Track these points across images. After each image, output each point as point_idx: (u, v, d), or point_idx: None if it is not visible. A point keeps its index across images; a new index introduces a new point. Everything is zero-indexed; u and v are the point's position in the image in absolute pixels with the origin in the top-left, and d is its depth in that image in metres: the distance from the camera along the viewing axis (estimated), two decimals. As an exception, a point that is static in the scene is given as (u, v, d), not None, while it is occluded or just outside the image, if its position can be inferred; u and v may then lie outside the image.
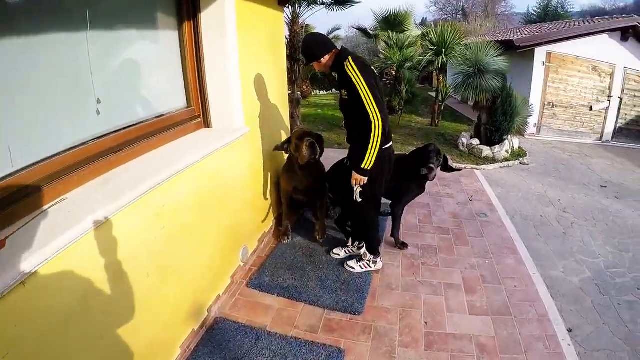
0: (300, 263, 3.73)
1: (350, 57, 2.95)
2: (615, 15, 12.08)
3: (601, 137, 11.32)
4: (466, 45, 9.29)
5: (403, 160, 3.83)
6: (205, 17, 3.11)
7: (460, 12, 35.92)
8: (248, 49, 3.49)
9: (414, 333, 2.93)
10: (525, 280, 3.62)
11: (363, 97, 2.85)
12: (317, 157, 3.63)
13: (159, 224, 2.34)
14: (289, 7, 8.67)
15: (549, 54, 10.61)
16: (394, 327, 2.99)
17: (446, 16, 36.35)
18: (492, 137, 8.02)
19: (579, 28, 10.75)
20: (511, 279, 3.61)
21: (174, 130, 2.96)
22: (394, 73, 10.66)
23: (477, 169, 7.20)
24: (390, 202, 4.06)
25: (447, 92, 10.84)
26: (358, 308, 3.14)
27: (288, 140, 3.81)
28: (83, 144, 2.17)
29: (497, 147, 7.89)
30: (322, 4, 9.30)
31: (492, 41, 9.00)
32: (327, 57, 3.09)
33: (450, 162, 4.00)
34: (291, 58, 8.98)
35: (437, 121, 11.05)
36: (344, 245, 3.92)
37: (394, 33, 11.11)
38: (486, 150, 7.90)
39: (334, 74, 3.28)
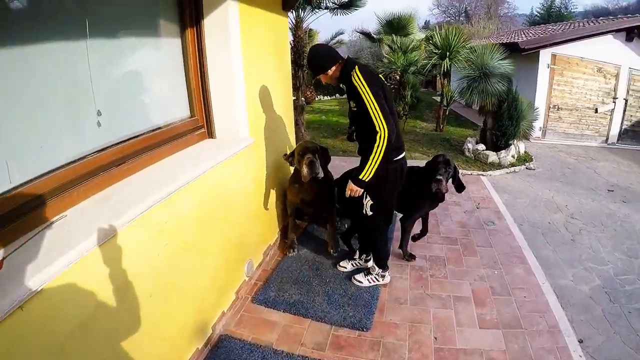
0: (306, 277, 3.66)
1: (356, 67, 2.87)
2: (619, 15, 11.98)
3: (607, 139, 11.21)
4: (471, 48, 9.21)
5: (414, 173, 3.69)
6: (208, 23, 3.05)
7: (463, 14, 35.84)
8: (252, 56, 3.43)
9: (423, 349, 2.86)
10: (535, 290, 3.56)
11: (369, 107, 2.77)
12: (319, 174, 3.54)
13: (162, 241, 2.28)
14: (292, 12, 8.64)
15: (553, 55, 10.52)
16: (403, 343, 2.92)
17: (449, 18, 36.28)
18: (498, 142, 7.95)
19: (584, 29, 10.66)
20: (520, 290, 3.54)
21: (177, 142, 2.91)
22: (398, 77, 10.57)
23: (483, 175, 7.14)
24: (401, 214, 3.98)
25: (451, 97, 10.77)
26: (366, 324, 3.07)
27: (292, 153, 3.75)
28: (83, 157, 2.12)
29: (503, 152, 7.82)
30: (326, 8, 9.24)
31: (497, 44, 8.92)
32: (333, 68, 3.02)
33: (460, 175, 3.83)
34: (295, 63, 8.94)
35: (442, 126, 10.97)
36: (350, 258, 3.84)
37: (398, 37, 11.02)
38: (492, 156, 7.82)
39: (341, 85, 3.21)
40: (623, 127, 11.23)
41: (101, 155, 2.23)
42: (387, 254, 3.57)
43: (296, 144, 4.71)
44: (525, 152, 8.61)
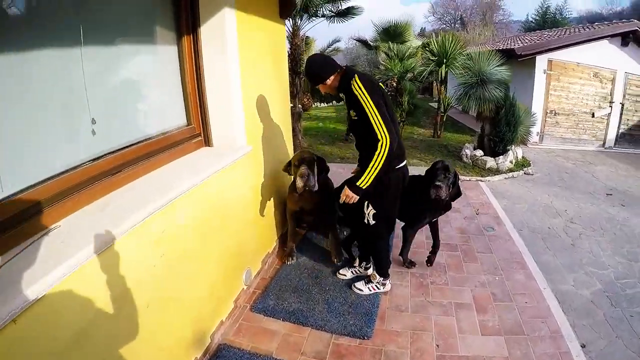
0: (305, 285, 3.61)
1: (356, 76, 2.84)
2: (614, 21, 12.07)
3: (604, 143, 11.27)
4: (467, 55, 9.24)
5: (416, 181, 3.60)
6: (205, 30, 3.04)
7: (459, 21, 36.06)
8: (249, 63, 3.41)
9: (425, 357, 2.83)
10: (536, 295, 3.53)
11: (370, 115, 2.74)
12: (313, 186, 3.51)
13: (159, 251, 2.25)
14: (289, 20, 8.66)
15: (550, 61, 10.60)
16: (405, 352, 2.88)
17: (444, 25, 36.52)
18: (496, 147, 7.96)
19: (580, 34, 10.74)
20: (522, 295, 3.52)
21: (173, 150, 2.87)
22: (395, 84, 10.61)
23: (481, 180, 7.13)
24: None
25: (449, 103, 10.79)
26: (367, 332, 3.02)
27: (289, 163, 3.73)
28: (77, 166, 2.08)
29: (501, 158, 7.82)
30: (323, 16, 9.28)
31: (493, 50, 8.96)
32: (332, 77, 2.99)
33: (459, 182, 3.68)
34: (292, 71, 8.95)
35: (439, 132, 11.00)
36: (350, 265, 3.80)
37: (395, 44, 11.07)
38: (490, 162, 7.83)
39: (340, 94, 3.18)
40: (620, 131, 11.31)
41: (96, 164, 2.19)
42: (388, 262, 3.53)
43: (294, 151, 4.70)
44: (523, 157, 8.62)
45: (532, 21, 26.45)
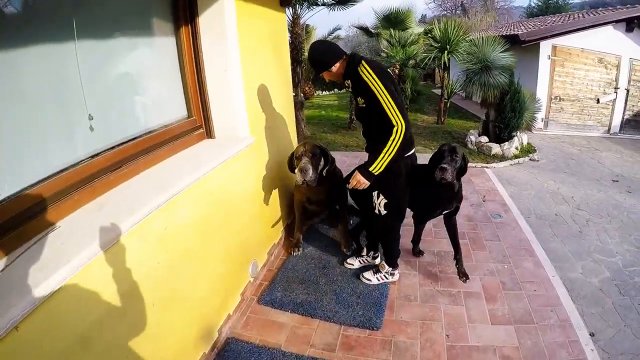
0: (313, 276, 3.57)
1: (364, 61, 2.74)
2: (618, 6, 11.92)
3: (609, 129, 11.18)
4: (471, 41, 9.14)
5: (421, 169, 3.35)
6: (204, 20, 2.95)
7: (460, 7, 35.71)
8: (250, 53, 3.33)
9: (436, 347, 2.79)
10: (545, 283, 3.49)
11: (383, 101, 2.64)
12: (312, 181, 3.35)
13: (162, 249, 2.19)
14: (289, 9, 8.56)
15: (554, 47, 10.47)
16: (415, 342, 2.85)
17: (445, 12, 36.17)
18: (501, 134, 7.90)
19: (584, 20, 10.59)
20: (530, 283, 3.48)
21: (174, 143, 2.81)
22: (397, 71, 10.52)
23: (487, 167, 7.07)
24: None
25: (452, 90, 10.71)
26: (376, 323, 2.99)
27: (292, 156, 3.61)
28: (76, 164, 2.02)
29: (506, 144, 7.76)
30: (323, 4, 9.19)
31: (497, 36, 8.86)
32: (337, 64, 2.88)
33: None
34: (293, 60, 8.87)
35: (443, 119, 10.92)
36: (358, 255, 3.76)
37: (396, 31, 10.98)
38: (495, 148, 7.77)
39: (346, 82, 3.09)
40: (625, 117, 11.20)
41: (95, 161, 2.13)
42: (398, 252, 3.48)
43: (298, 141, 4.64)
44: (528, 143, 8.55)
45: (534, 7, 26.21)
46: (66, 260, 1.53)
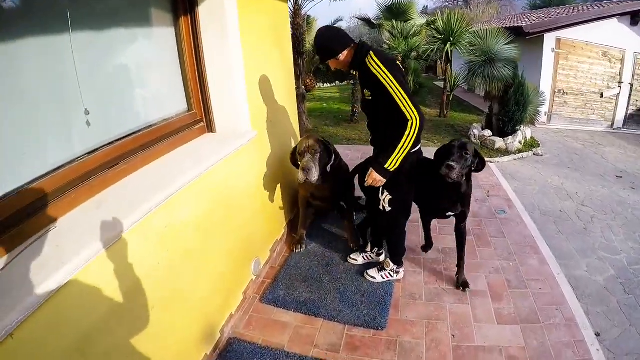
0: (316, 273, 3.51)
1: (372, 52, 2.62)
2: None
3: (612, 124, 11.13)
4: (475, 32, 9.05)
5: (426, 164, 3.18)
6: (204, 11, 2.84)
7: (462, -1, 35.49)
8: (252, 44, 3.22)
9: (441, 348, 2.75)
10: (550, 281, 3.45)
11: (395, 95, 2.53)
12: (314, 179, 3.27)
13: (162, 248, 2.13)
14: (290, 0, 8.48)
15: (558, 40, 10.39)
16: (420, 342, 2.80)
17: (447, 3, 35.95)
18: (505, 127, 7.85)
19: (588, 13, 10.49)
20: (535, 281, 3.43)
21: (174, 138, 2.73)
22: (399, 63, 10.46)
23: (491, 161, 7.01)
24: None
25: (455, 82, 10.63)
26: (381, 322, 2.94)
27: (295, 150, 3.52)
28: (73, 161, 1.94)
29: (510, 138, 7.71)
30: (325, -5, 9.07)
31: (501, 28, 8.77)
32: (345, 52, 2.76)
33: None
34: (294, 51, 8.78)
35: (445, 112, 10.87)
36: (362, 250, 3.70)
37: (398, 22, 10.88)
38: (499, 142, 7.72)
39: (352, 72, 2.98)
40: (628, 112, 11.15)
41: (92, 157, 2.05)
42: (403, 250, 3.40)
43: (300, 134, 4.57)
44: (531, 137, 8.51)
45: (537, -1, 25.98)
46: (61, 263, 1.47)
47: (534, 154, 7.72)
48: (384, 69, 2.55)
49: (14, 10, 1.71)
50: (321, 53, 2.86)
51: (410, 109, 2.53)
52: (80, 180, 1.95)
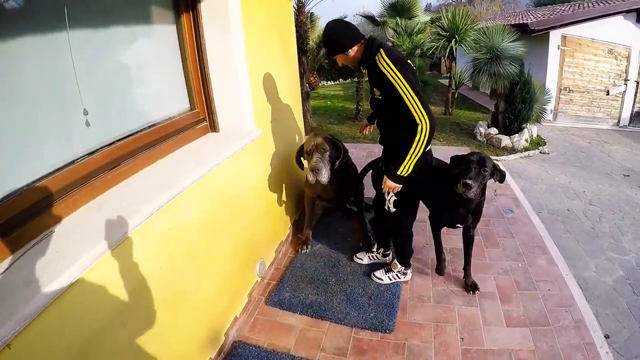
0: (322, 275, 3.45)
1: (382, 50, 2.51)
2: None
3: (618, 122, 11.02)
4: (480, 29, 8.99)
5: (441, 172, 3.04)
6: (206, 6, 2.78)
7: (465, -5, 35.34)
8: (255, 41, 3.16)
9: (450, 351, 2.69)
10: (559, 282, 3.40)
11: (405, 96, 2.44)
12: (326, 180, 3.20)
13: (165, 252, 2.08)
14: (294, -4, 8.41)
15: (564, 37, 10.29)
16: (429, 345, 2.75)
17: (451, 0, 35.79)
18: (511, 125, 7.80)
19: (594, 10, 10.38)
20: (544, 282, 3.38)
21: (177, 138, 2.67)
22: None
23: (497, 160, 6.97)
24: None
25: (460, 80, 10.58)
26: (389, 325, 2.88)
27: (301, 148, 3.45)
28: (71, 163, 1.88)
29: (516, 136, 7.66)
30: (328, -8, 9.00)
31: (506, 25, 8.70)
32: (355, 48, 2.65)
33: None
34: (298, 49, 8.74)
35: (450, 110, 10.82)
36: (368, 250, 3.64)
37: (402, 19, 10.81)
38: (505, 140, 7.67)
39: (363, 70, 2.84)
40: (635, 110, 11.03)
41: (92, 158, 1.99)
42: (411, 251, 3.34)
43: (305, 133, 4.52)
44: (537, 135, 8.46)
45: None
46: (60, 270, 1.42)
47: (540, 152, 7.66)
48: (394, 68, 2.45)
49: (10, 7, 1.65)
50: (329, 47, 2.75)
51: (421, 112, 2.44)
52: (81, 182, 1.90)
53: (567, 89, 10.69)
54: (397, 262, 3.31)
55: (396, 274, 3.31)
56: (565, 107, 10.85)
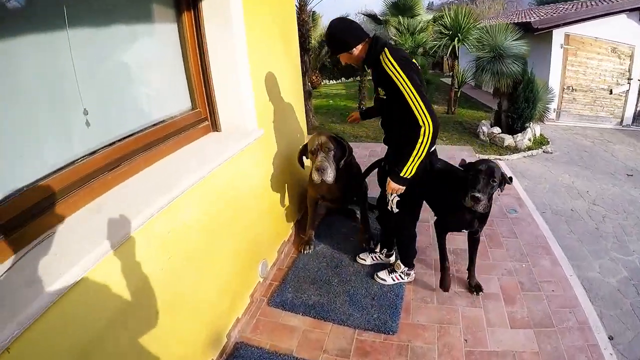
0: (325, 275, 3.43)
1: (386, 50, 2.48)
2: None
3: (621, 121, 11.03)
4: (483, 28, 8.98)
5: (447, 176, 2.99)
6: (207, 5, 2.74)
7: (467, -6, 35.27)
8: (257, 39, 3.13)
9: (454, 353, 2.67)
10: (563, 283, 3.36)
11: (408, 97, 2.40)
12: (331, 180, 3.16)
13: (165, 254, 2.05)
14: (296, -6, 8.41)
15: (567, 35, 10.30)
16: (432, 347, 2.72)
17: (452, -1, 35.76)
18: (514, 124, 7.79)
19: (597, 8, 10.37)
20: (548, 283, 3.35)
21: (178, 137, 2.64)
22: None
23: (500, 159, 6.98)
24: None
25: (463, 79, 10.55)
26: (392, 326, 2.86)
27: (305, 147, 3.41)
28: (71, 163, 1.86)
29: (519, 136, 7.66)
30: (330, -9, 8.99)
31: (509, 23, 8.68)
32: (359, 47, 2.61)
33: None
34: (300, 48, 8.73)
35: (453, 109, 10.82)
36: (371, 250, 3.62)
37: (405, 18, 10.79)
38: (508, 139, 7.67)
39: (366, 67, 2.78)
40: (638, 109, 11.04)
41: (92, 159, 1.97)
42: (414, 252, 3.31)
43: (308, 132, 4.49)
44: (540, 134, 8.45)
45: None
46: (59, 273, 1.40)
47: (543, 152, 7.67)
48: (398, 68, 2.42)
49: (10, 7, 1.63)
50: (333, 46, 2.73)
51: (424, 113, 2.40)
52: (80, 183, 1.88)
53: (570, 87, 10.68)
54: (400, 263, 3.28)
55: (399, 275, 3.28)
56: (569, 106, 10.85)
